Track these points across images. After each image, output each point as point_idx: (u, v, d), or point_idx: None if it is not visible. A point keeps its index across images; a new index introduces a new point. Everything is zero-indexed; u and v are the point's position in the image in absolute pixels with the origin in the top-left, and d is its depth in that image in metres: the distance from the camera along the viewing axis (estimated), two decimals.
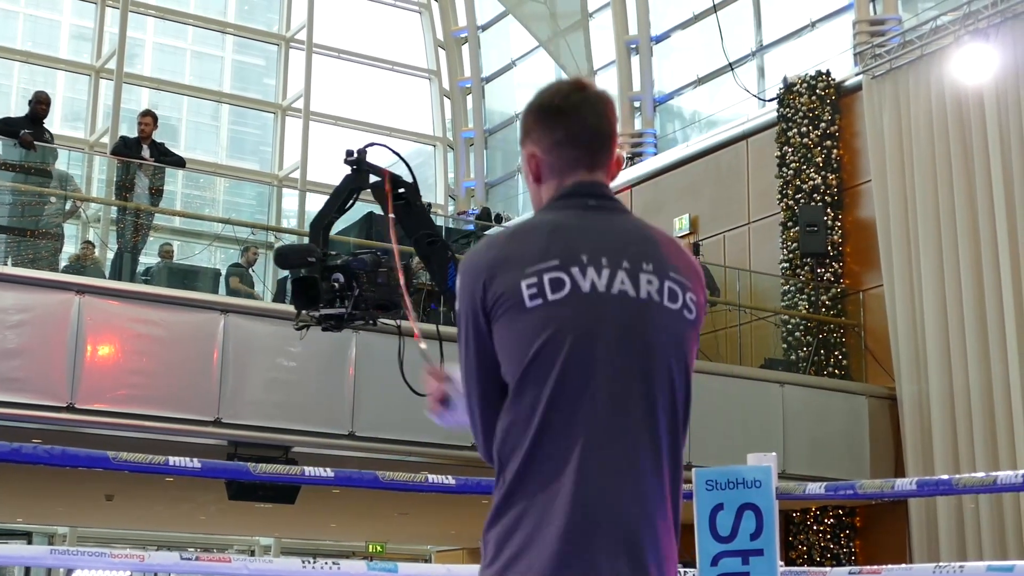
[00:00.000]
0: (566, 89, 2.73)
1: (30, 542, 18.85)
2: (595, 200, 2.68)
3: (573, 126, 2.69)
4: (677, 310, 2.62)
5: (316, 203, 23.70)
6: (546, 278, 2.53)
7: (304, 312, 6.10)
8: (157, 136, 14.09)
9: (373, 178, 6.28)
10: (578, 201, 2.67)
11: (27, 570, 18.88)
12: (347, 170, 6.33)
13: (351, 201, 6.51)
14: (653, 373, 2.56)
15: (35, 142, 12.61)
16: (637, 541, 2.47)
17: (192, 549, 20.49)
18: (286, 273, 16.02)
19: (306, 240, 6.74)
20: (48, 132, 13.28)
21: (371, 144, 6.41)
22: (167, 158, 14.11)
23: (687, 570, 6.41)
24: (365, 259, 6.11)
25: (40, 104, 13.08)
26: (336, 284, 6.06)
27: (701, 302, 2.68)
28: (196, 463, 3.80)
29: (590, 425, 2.49)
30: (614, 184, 2.79)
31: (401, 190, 6.29)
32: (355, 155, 6.28)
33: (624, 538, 2.46)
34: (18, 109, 16.30)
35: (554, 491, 2.46)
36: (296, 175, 21.01)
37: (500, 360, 2.56)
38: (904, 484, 3.99)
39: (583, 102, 2.70)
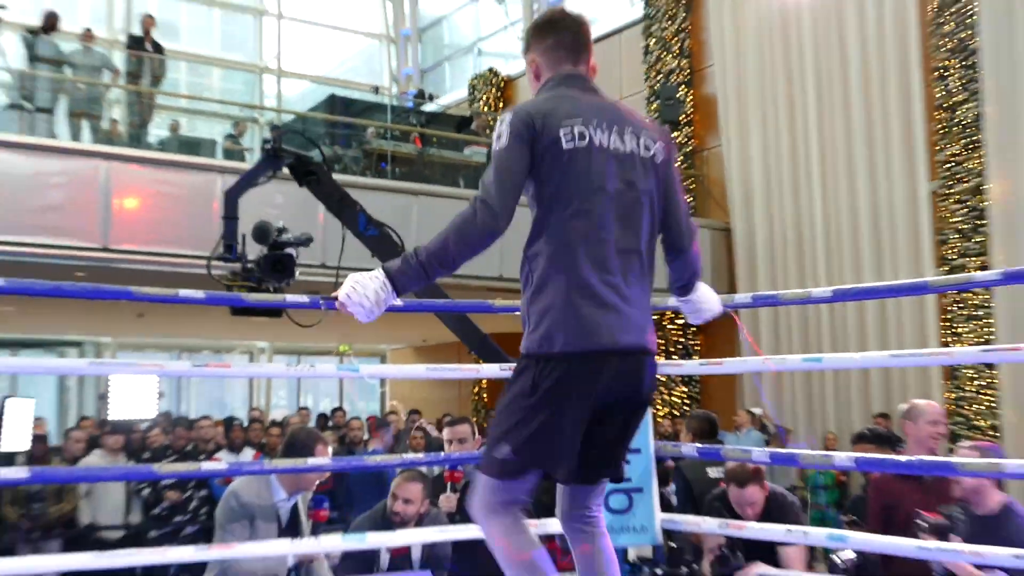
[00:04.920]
0: (552, 11, 3.05)
1: (82, 352, 18.56)
2: (588, 83, 2.98)
3: (560, 34, 3.00)
4: (651, 156, 2.93)
5: (293, 87, 22.95)
6: (575, 130, 2.82)
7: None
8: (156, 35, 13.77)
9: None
10: (578, 83, 2.96)
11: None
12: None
13: (266, 180, 6.15)
14: (640, 201, 2.89)
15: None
16: (638, 322, 2.84)
17: (205, 352, 20.40)
18: (268, 136, 15.73)
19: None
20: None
21: (284, 132, 6.13)
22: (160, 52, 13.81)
23: None
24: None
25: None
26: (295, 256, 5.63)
27: (667, 146, 2.99)
28: (201, 294, 3.69)
29: (608, 231, 2.81)
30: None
31: (312, 169, 6.03)
32: (271, 143, 5.98)
33: (629, 315, 2.81)
34: None
35: (577, 277, 2.76)
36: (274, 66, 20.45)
37: (530, 174, 2.80)
38: (742, 298, 4.05)
39: (565, 18, 3.02)
